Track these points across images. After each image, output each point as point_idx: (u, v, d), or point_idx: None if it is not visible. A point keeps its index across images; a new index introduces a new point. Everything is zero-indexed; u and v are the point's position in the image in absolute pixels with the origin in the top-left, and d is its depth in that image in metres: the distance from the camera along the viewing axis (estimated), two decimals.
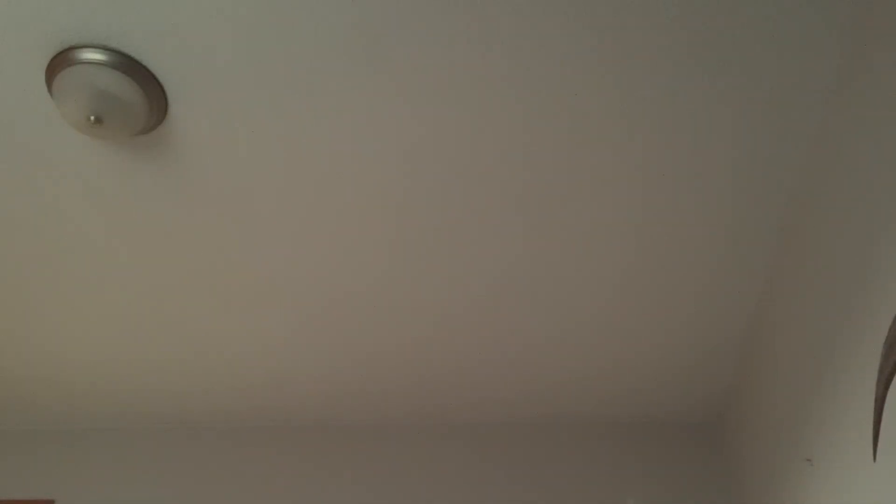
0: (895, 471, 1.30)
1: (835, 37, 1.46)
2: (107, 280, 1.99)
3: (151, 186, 1.75)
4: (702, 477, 2.33)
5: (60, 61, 1.49)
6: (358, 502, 2.33)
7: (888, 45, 1.36)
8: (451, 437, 2.44)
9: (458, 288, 2.01)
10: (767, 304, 1.96)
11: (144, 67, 1.51)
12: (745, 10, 1.43)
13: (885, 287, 1.35)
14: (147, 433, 2.47)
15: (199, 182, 1.74)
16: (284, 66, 1.52)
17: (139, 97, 1.53)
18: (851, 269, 1.49)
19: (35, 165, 1.71)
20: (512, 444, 2.42)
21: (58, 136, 1.64)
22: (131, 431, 2.48)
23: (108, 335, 2.16)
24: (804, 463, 1.75)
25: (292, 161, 1.70)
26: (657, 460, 2.36)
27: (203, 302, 2.06)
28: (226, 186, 1.75)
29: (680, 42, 1.48)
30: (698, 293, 2.01)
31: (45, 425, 2.48)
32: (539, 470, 2.37)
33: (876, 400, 1.24)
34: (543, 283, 1.99)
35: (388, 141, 1.66)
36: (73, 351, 2.22)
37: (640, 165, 1.70)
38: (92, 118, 1.52)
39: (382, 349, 2.20)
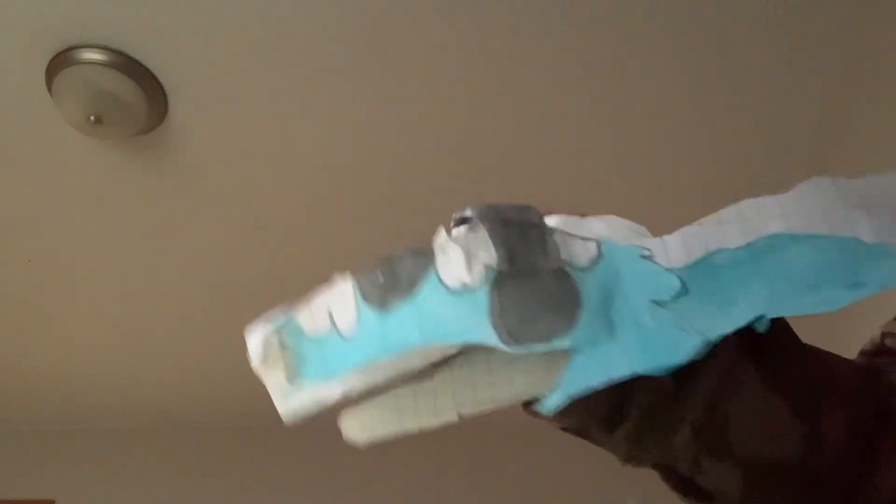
0: None
1: (836, 36, 1.46)
2: (106, 280, 1.99)
3: (151, 186, 1.75)
4: None
5: (60, 61, 1.49)
6: (358, 502, 2.33)
7: (888, 45, 1.36)
8: (450, 437, 2.44)
9: None
10: None
11: (144, 67, 1.51)
12: (746, 10, 1.43)
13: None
14: (147, 433, 2.47)
15: (199, 182, 1.74)
16: (284, 66, 1.52)
17: (139, 97, 1.53)
18: None
19: (35, 165, 1.71)
20: (512, 443, 2.42)
21: (58, 136, 1.64)
22: (131, 431, 2.48)
23: (107, 335, 2.16)
24: None
25: (292, 161, 1.70)
26: None
27: (203, 301, 2.06)
28: (226, 186, 1.75)
29: (680, 42, 1.48)
30: None
31: (45, 425, 2.48)
32: (539, 470, 2.37)
33: None
34: None
35: (390, 140, 1.66)
36: (73, 350, 2.22)
37: (641, 166, 1.70)
38: (92, 118, 1.52)
39: None
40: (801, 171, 1.68)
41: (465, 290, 0.45)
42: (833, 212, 0.46)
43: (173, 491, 2.36)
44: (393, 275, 0.48)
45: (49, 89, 1.53)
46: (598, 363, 0.43)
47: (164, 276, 1.98)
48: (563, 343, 0.43)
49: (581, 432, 0.48)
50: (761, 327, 0.44)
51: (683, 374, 0.43)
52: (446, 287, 0.46)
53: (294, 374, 0.49)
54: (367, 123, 1.63)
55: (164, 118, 1.61)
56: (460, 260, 0.46)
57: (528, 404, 0.47)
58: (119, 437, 2.47)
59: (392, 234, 1.86)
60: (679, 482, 0.49)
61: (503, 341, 0.43)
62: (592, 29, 1.46)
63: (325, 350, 0.48)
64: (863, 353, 0.60)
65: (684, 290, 0.44)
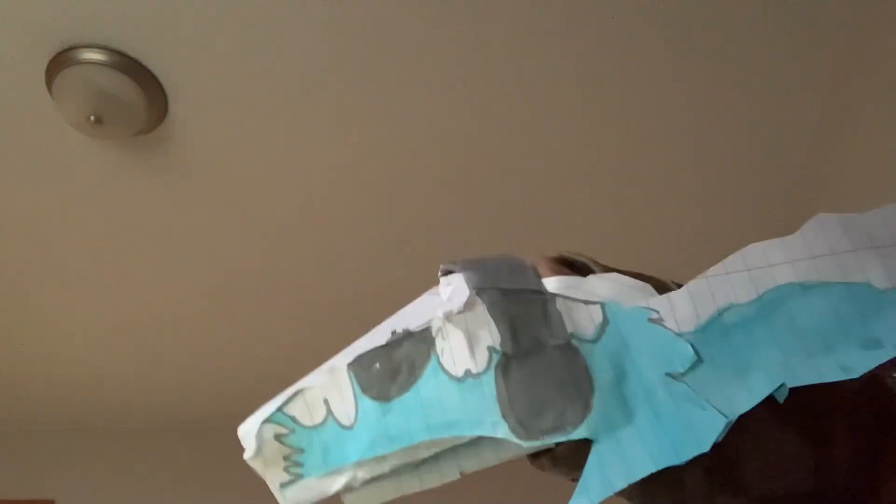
0: None
1: (836, 35, 1.46)
2: (106, 280, 1.99)
3: (151, 186, 1.75)
4: None
5: (60, 61, 1.49)
6: None
7: (888, 45, 1.36)
8: None
9: None
10: None
11: (144, 67, 1.51)
12: (746, 11, 1.43)
13: None
14: (147, 433, 2.47)
15: (199, 182, 1.74)
16: (284, 66, 1.52)
17: (139, 97, 1.53)
18: None
19: (35, 165, 1.71)
20: None
21: (58, 136, 1.64)
22: (131, 431, 2.48)
23: (107, 334, 2.16)
24: None
25: (292, 161, 1.70)
26: None
27: (203, 301, 2.06)
28: (226, 186, 1.75)
29: (680, 43, 1.48)
30: None
31: (45, 425, 2.48)
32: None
33: None
34: None
35: (390, 139, 1.66)
36: (73, 350, 2.22)
37: (639, 167, 1.70)
38: (92, 118, 1.52)
39: None
40: (802, 171, 1.68)
41: (469, 377, 0.42)
42: (842, 253, 0.44)
43: (173, 491, 2.36)
44: (391, 364, 0.45)
45: (49, 89, 1.53)
46: (617, 458, 0.40)
47: (164, 276, 1.98)
48: (579, 433, 0.41)
49: None
50: (781, 397, 0.42)
51: None
52: (449, 375, 0.43)
53: (292, 464, 0.46)
54: (368, 124, 1.62)
55: (164, 118, 1.61)
56: (462, 345, 0.42)
57: (535, 458, 0.46)
58: (119, 437, 2.46)
59: (391, 234, 1.86)
60: None
61: (514, 433, 0.41)
62: (592, 30, 1.46)
63: (325, 439, 0.46)
64: None
65: (698, 360, 0.42)
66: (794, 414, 0.45)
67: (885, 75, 1.37)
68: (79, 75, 1.49)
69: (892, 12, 1.34)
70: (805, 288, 0.43)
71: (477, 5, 1.43)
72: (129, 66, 1.50)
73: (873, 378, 0.50)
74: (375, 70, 1.53)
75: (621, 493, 0.46)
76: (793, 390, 0.44)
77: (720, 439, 0.40)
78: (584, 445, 0.42)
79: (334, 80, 1.55)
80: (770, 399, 0.44)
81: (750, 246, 0.45)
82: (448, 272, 0.48)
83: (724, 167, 1.70)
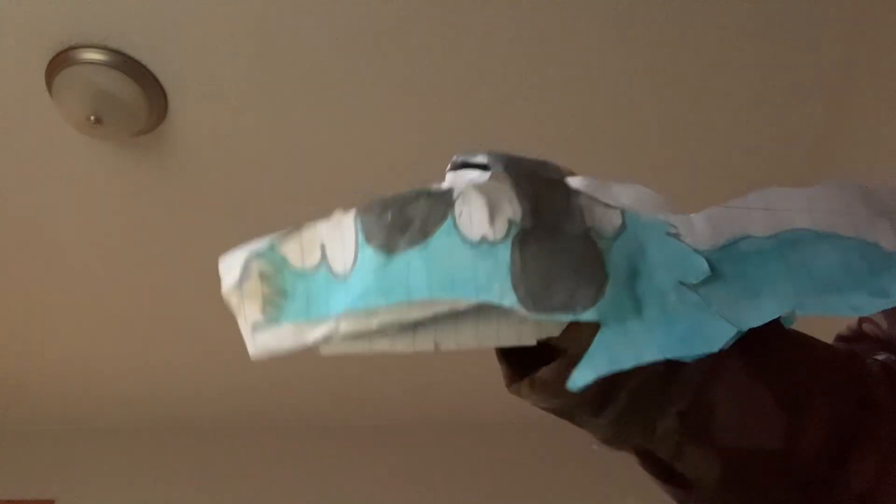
0: None
1: (836, 35, 1.46)
2: (106, 280, 1.99)
3: (151, 186, 1.75)
4: None
5: (60, 61, 1.49)
6: (357, 503, 2.33)
7: (888, 44, 1.36)
8: (451, 437, 2.44)
9: None
10: None
11: (144, 67, 1.51)
12: (747, 8, 1.43)
13: None
14: (147, 433, 2.47)
15: (199, 182, 1.74)
16: (285, 66, 1.52)
17: (139, 97, 1.53)
18: None
19: (35, 165, 1.71)
20: (512, 443, 2.42)
21: (58, 136, 1.64)
22: (131, 431, 2.48)
23: (107, 334, 2.16)
24: None
25: (293, 161, 1.70)
26: None
27: (203, 302, 2.06)
28: (226, 186, 1.75)
29: (682, 41, 1.48)
30: None
31: (45, 425, 2.48)
32: (539, 469, 2.37)
33: None
34: None
35: (392, 140, 1.66)
36: (73, 351, 2.22)
37: (639, 165, 1.70)
38: (92, 118, 1.52)
39: None
40: (803, 171, 1.68)
41: (484, 243, 0.41)
42: (857, 214, 0.45)
43: (173, 491, 2.36)
44: (404, 216, 0.43)
45: (49, 89, 1.53)
46: (625, 343, 0.40)
47: (163, 277, 1.98)
48: (589, 315, 0.40)
49: (565, 414, 0.46)
50: (788, 322, 0.44)
51: (674, 361, 0.42)
52: (464, 237, 0.41)
53: (271, 307, 0.43)
54: (368, 124, 1.63)
55: (164, 118, 1.61)
56: (483, 211, 0.41)
57: (512, 383, 0.46)
58: (119, 437, 2.46)
59: None
60: (658, 468, 0.49)
61: (522, 304, 0.40)
62: (595, 24, 1.46)
63: (312, 287, 0.43)
64: (840, 338, 0.60)
65: (712, 275, 0.42)
66: (771, 375, 0.45)
67: (885, 75, 1.38)
68: (79, 75, 1.49)
69: (892, 12, 1.34)
70: (819, 236, 0.44)
71: (478, 7, 1.43)
72: (129, 66, 1.50)
73: (859, 361, 0.50)
74: (377, 70, 1.53)
75: (591, 431, 0.46)
76: (769, 352, 0.45)
77: (726, 346, 0.41)
78: (566, 372, 0.42)
79: (335, 80, 1.55)
80: (746, 354, 0.44)
81: (772, 188, 0.46)
82: (462, 166, 0.46)
83: (724, 167, 1.70)
